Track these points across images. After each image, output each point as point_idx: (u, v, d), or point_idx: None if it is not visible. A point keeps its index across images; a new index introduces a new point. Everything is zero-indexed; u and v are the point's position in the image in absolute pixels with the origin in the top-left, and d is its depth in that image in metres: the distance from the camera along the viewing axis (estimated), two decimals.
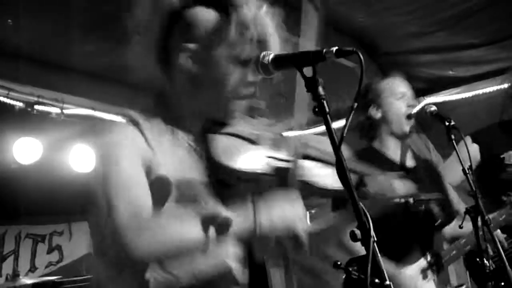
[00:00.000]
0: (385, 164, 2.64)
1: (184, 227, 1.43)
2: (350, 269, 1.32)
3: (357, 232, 1.27)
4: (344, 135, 1.30)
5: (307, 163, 1.65)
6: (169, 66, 1.59)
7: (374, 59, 4.49)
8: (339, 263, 1.41)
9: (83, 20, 3.89)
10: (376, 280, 1.25)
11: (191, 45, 1.57)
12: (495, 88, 4.73)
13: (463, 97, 5.07)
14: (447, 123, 2.40)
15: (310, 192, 1.64)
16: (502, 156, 3.10)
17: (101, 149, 1.53)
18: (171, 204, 1.49)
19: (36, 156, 4.63)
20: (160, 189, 1.49)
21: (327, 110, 1.35)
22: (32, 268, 5.07)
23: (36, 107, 4.65)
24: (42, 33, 4.10)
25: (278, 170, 1.58)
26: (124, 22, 1.62)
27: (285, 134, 1.74)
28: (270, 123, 1.71)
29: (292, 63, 1.44)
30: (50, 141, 4.75)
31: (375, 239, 1.27)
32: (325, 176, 1.65)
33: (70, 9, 3.72)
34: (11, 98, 4.48)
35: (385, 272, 1.24)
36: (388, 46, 4.41)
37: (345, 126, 1.31)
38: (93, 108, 4.90)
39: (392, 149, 2.77)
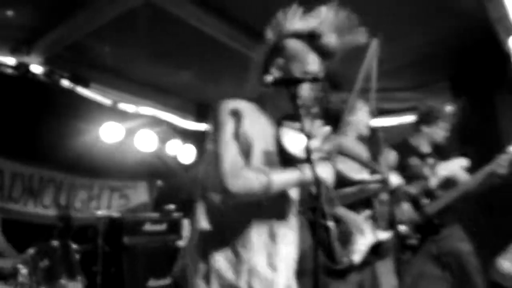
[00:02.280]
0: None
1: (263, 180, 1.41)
2: (306, 213, 1.32)
3: (313, 190, 1.32)
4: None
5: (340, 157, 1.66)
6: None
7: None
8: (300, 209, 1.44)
9: (152, 49, 3.92)
10: (323, 221, 1.30)
11: (280, 60, 1.56)
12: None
13: (393, 123, 5.04)
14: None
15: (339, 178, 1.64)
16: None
17: (219, 115, 1.48)
18: (258, 163, 1.48)
19: (119, 137, 4.66)
20: (246, 151, 1.46)
21: (301, 114, 1.38)
22: (109, 207, 5.08)
23: (120, 104, 4.72)
24: (125, 57, 4.14)
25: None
26: (176, 54, 1.66)
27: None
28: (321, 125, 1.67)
29: (283, 83, 1.44)
30: (127, 128, 4.76)
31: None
32: (351, 169, 1.65)
33: (143, 41, 3.75)
34: (104, 97, 4.55)
35: (329, 217, 1.28)
36: (347, 86, 4.36)
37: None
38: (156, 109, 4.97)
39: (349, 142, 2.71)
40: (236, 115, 1.48)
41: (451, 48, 3.81)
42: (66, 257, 3.34)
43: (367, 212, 2.60)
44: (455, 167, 3.04)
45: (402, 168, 3.01)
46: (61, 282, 3.19)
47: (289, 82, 1.43)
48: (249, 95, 1.61)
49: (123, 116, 4.75)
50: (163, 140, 5.16)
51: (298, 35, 1.56)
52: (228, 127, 1.45)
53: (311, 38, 1.55)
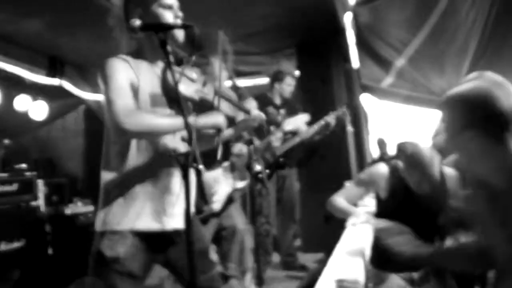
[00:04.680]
0: None
1: (157, 118, 1.47)
2: (179, 157, 1.32)
3: (185, 137, 1.31)
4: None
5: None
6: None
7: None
8: (174, 152, 1.46)
9: None
10: (194, 164, 1.31)
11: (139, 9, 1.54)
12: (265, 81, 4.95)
13: (247, 84, 5.18)
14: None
15: None
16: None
17: (105, 70, 1.47)
18: (147, 105, 1.51)
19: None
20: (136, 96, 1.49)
21: (171, 60, 1.36)
22: None
23: None
24: None
25: (203, 99, 1.64)
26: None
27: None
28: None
29: (152, 29, 1.38)
30: None
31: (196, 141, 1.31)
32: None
33: None
34: None
35: (199, 161, 1.31)
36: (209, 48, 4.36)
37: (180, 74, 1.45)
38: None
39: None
40: (122, 65, 1.49)
41: (297, 18, 4.06)
42: None
43: (226, 163, 2.71)
44: (298, 122, 3.50)
45: None
46: None
47: (158, 28, 1.37)
48: (123, 49, 1.59)
49: None
50: (9, 95, 4.49)
51: None
52: (118, 76, 1.46)
53: None
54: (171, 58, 1.41)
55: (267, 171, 3.37)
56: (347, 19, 3.94)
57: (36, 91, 4.69)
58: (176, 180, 1.58)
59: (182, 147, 1.53)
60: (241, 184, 2.70)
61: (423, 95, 4.12)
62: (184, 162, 1.31)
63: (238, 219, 2.71)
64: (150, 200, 1.53)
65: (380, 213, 2.18)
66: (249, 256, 2.70)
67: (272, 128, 3.35)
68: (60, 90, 4.65)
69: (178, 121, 1.42)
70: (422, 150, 2.05)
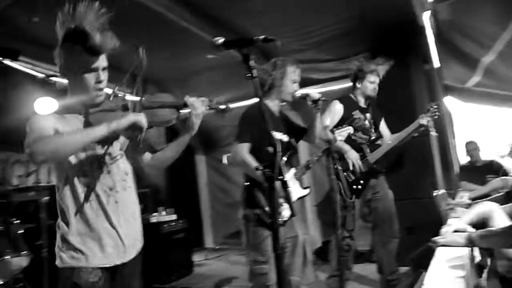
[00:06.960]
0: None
1: (63, 137, 1.45)
2: (265, 170, 1.34)
3: (271, 149, 1.30)
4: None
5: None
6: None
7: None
8: (259, 166, 1.42)
9: None
10: (280, 176, 1.31)
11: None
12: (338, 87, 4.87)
13: (321, 91, 5.07)
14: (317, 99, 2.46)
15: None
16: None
17: (30, 123, 1.46)
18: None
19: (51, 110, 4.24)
20: None
21: (255, 75, 1.33)
22: (49, 181, 4.59)
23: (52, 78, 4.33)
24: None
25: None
26: None
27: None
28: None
29: (235, 45, 1.37)
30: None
31: (281, 153, 1.29)
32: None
33: None
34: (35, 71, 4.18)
35: (284, 172, 1.31)
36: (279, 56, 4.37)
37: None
38: None
39: (273, 106, 2.57)
40: (47, 116, 1.52)
41: (371, 21, 3.94)
42: (8, 233, 3.10)
43: (292, 171, 2.58)
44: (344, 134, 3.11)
45: (347, 119, 3.24)
46: (5, 259, 2.96)
47: (241, 44, 1.37)
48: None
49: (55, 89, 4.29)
50: None
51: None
52: (42, 121, 1.48)
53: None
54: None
55: (361, 181, 3.23)
56: (426, 17, 3.73)
57: None
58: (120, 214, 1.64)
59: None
60: (304, 191, 2.58)
61: None
62: (270, 174, 1.33)
63: (299, 229, 2.56)
64: (107, 236, 1.59)
65: None
66: (311, 269, 2.63)
67: (360, 133, 3.20)
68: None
69: (88, 132, 1.44)
70: None
